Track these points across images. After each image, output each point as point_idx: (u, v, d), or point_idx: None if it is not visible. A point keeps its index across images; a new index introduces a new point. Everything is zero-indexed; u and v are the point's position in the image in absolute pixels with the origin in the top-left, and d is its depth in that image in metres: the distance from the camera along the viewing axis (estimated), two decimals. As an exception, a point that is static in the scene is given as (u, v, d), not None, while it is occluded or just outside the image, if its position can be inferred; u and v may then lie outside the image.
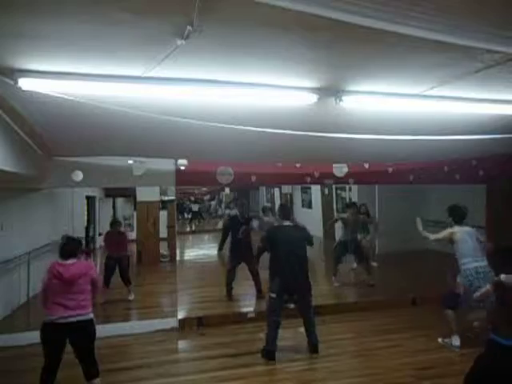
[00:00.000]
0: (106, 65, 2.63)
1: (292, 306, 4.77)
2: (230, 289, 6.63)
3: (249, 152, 4.97)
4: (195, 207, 22.71)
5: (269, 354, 4.31)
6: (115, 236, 6.88)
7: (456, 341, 4.60)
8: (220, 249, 7.98)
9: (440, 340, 4.75)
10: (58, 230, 7.74)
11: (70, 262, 3.44)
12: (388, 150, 4.96)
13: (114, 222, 7.24)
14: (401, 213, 9.67)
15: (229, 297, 6.61)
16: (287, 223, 4.67)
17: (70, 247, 3.53)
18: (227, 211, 7.98)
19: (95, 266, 3.75)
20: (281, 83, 3.06)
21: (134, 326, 5.37)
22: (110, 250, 6.84)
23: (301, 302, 4.52)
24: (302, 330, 4.53)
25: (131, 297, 6.76)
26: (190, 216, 22.14)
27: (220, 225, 18.95)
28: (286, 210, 4.96)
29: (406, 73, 2.98)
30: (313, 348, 4.45)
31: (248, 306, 6.38)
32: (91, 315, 3.43)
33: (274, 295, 4.38)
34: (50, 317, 3.30)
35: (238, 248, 6.59)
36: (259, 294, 6.52)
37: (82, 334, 3.35)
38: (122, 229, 7.61)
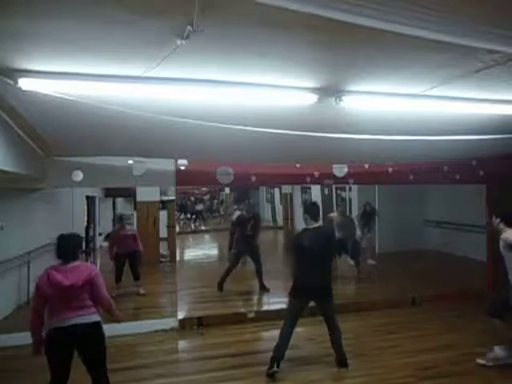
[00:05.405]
0: (106, 65, 2.63)
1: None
2: (225, 277, 6.90)
3: (249, 152, 4.96)
4: (199, 206, 22.65)
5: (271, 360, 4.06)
6: None
7: (503, 350, 4.07)
8: (230, 248, 8.20)
9: (480, 361, 4.13)
10: (58, 229, 7.73)
11: (70, 265, 3.00)
12: (388, 149, 4.96)
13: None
14: (401, 213, 9.69)
15: (221, 288, 6.87)
16: (314, 225, 4.19)
17: (70, 246, 3.07)
18: (236, 213, 8.17)
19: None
20: (281, 83, 3.06)
21: (134, 326, 5.36)
22: None
23: (320, 308, 4.33)
24: (299, 329, 4.47)
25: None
26: (194, 216, 22.05)
27: (221, 225, 19.04)
28: (317, 209, 4.34)
29: (405, 73, 2.98)
30: (339, 363, 4.19)
31: (248, 305, 6.38)
32: (98, 317, 3.05)
33: (291, 299, 4.21)
34: (52, 321, 2.94)
35: (245, 242, 6.99)
36: (263, 290, 6.86)
37: (89, 339, 3.00)
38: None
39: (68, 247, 3.06)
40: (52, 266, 3.03)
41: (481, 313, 4.27)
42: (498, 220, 4.07)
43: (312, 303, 4.29)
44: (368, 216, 9.03)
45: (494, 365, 4.07)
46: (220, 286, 6.89)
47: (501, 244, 3.98)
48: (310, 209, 4.29)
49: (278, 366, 4.00)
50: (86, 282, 2.98)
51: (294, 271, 4.25)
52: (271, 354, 4.05)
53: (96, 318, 3.04)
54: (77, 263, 3.06)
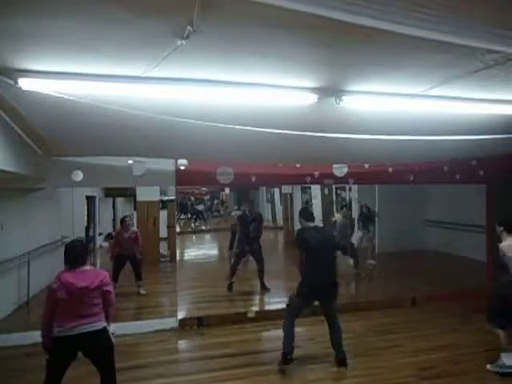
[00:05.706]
0: (106, 65, 2.62)
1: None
2: (231, 277, 6.97)
3: (249, 152, 4.96)
4: (200, 207, 22.61)
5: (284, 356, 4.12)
6: None
7: (509, 358, 3.96)
8: (231, 247, 8.22)
9: (489, 366, 4.06)
10: (58, 229, 7.75)
11: (81, 269, 3.07)
12: (388, 149, 4.95)
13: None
14: (401, 213, 9.69)
15: (230, 288, 6.95)
16: (312, 225, 4.48)
17: (79, 251, 3.14)
18: (235, 212, 8.27)
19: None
20: (281, 83, 3.05)
21: (134, 326, 5.36)
22: None
23: (324, 307, 4.37)
24: (299, 329, 4.47)
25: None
26: (194, 216, 22.01)
27: (221, 224, 19.02)
28: (310, 212, 4.71)
29: (406, 73, 2.97)
30: (339, 362, 4.24)
31: (248, 305, 6.38)
32: (104, 323, 3.10)
33: (296, 298, 4.24)
34: (60, 329, 2.97)
35: (247, 242, 7.04)
36: (263, 290, 6.92)
37: (95, 346, 3.05)
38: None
39: (77, 253, 3.13)
40: (63, 270, 3.10)
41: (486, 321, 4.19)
42: (502, 228, 4.13)
43: (316, 303, 4.34)
44: (366, 218, 9.06)
45: (503, 372, 3.96)
46: (229, 287, 6.96)
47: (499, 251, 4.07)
48: (303, 213, 4.63)
49: (291, 356, 4.12)
50: (97, 287, 3.05)
51: (302, 269, 4.27)
52: (280, 351, 4.14)
53: (102, 324, 3.08)
54: (86, 267, 3.14)
